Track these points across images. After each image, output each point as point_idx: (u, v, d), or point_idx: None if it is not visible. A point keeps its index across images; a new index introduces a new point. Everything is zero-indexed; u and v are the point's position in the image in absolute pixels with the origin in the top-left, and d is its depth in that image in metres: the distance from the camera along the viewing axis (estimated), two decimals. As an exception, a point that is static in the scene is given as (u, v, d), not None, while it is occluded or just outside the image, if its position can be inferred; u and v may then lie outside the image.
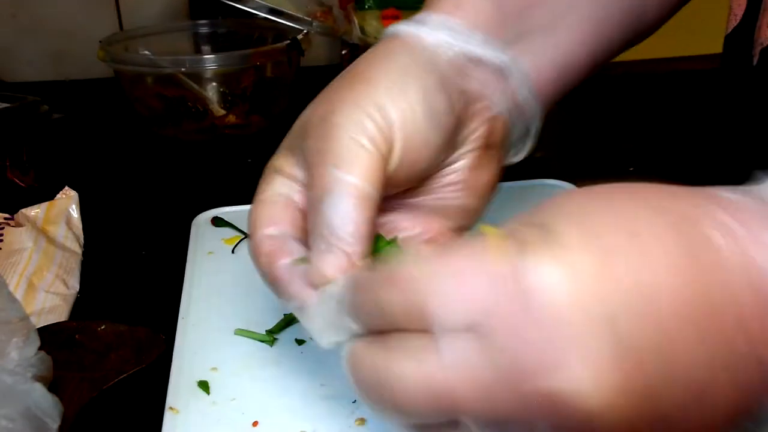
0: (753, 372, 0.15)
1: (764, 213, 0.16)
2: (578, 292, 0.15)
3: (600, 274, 0.15)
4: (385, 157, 0.23)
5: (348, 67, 0.26)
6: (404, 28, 0.27)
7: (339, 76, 0.26)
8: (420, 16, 0.27)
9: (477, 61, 0.27)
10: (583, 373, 0.15)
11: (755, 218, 0.16)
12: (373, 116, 0.23)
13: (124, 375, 0.34)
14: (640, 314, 0.15)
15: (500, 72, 0.27)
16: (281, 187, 0.25)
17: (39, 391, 0.31)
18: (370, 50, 0.27)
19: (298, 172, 0.25)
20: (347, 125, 0.23)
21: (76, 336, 0.36)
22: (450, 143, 0.26)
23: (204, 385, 0.32)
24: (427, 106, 0.24)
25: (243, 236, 0.45)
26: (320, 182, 0.23)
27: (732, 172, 0.21)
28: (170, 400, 0.32)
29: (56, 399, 0.31)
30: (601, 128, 0.63)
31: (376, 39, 0.77)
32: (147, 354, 0.35)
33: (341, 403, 0.31)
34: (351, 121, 0.23)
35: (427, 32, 0.26)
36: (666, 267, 0.15)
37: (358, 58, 0.27)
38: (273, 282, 0.24)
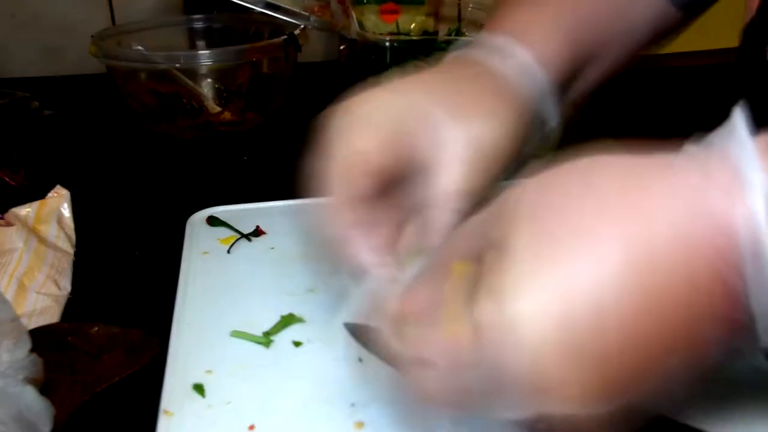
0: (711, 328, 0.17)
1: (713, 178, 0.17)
2: (540, 329, 0.17)
3: (552, 299, 0.17)
4: (478, 174, 0.27)
5: (434, 74, 0.29)
6: (491, 60, 0.30)
7: (432, 81, 0.28)
8: (505, 44, 0.30)
9: (540, 109, 0.30)
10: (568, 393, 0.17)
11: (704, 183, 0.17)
12: (472, 137, 0.27)
13: (117, 378, 0.33)
14: (592, 326, 0.17)
15: (548, 119, 0.31)
16: (359, 148, 0.27)
17: (30, 393, 0.30)
18: (457, 68, 0.30)
19: (378, 151, 0.26)
20: (458, 143, 0.26)
21: (68, 338, 0.36)
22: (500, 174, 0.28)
23: (199, 388, 0.32)
24: (506, 134, 0.28)
25: (239, 236, 0.44)
26: (433, 189, 0.26)
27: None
28: (165, 403, 0.31)
29: (48, 402, 0.30)
30: (615, 122, 0.64)
31: (375, 34, 0.76)
32: (140, 357, 0.35)
33: (339, 407, 0.31)
34: (459, 141, 0.26)
35: (510, 69, 0.29)
36: (608, 268, 0.17)
37: (445, 73, 0.29)
38: (336, 243, 0.27)
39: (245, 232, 0.44)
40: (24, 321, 0.35)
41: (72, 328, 0.36)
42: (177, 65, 0.59)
